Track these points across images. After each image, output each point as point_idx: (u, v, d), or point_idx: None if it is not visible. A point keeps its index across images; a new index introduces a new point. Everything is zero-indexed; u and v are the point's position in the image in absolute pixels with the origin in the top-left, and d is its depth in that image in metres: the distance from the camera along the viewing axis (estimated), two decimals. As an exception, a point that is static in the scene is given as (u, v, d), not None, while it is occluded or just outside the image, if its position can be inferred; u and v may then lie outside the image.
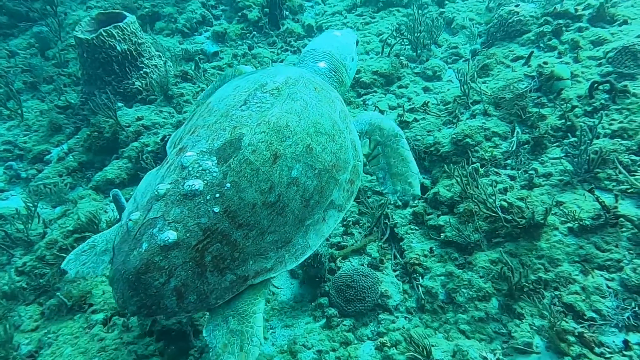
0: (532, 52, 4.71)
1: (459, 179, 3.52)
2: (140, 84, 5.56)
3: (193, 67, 6.07)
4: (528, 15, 5.16)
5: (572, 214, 3.04)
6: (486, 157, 3.96)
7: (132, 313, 2.23)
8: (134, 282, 2.17)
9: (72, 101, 5.86)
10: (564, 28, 4.86)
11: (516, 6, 5.28)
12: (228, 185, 2.25)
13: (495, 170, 3.83)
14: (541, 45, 4.92)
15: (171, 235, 2.15)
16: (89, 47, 5.19)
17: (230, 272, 2.25)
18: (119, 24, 5.27)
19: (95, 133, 5.07)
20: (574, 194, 3.31)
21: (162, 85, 5.54)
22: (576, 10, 4.97)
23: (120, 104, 5.39)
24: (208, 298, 2.22)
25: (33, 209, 4.24)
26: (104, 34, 5.15)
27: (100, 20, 5.50)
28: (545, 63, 4.29)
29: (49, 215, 4.46)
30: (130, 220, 2.28)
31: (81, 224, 4.02)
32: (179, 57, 6.53)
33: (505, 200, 3.40)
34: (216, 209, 2.22)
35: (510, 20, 5.21)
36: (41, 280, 3.68)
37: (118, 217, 4.10)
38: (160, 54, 6.04)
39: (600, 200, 2.90)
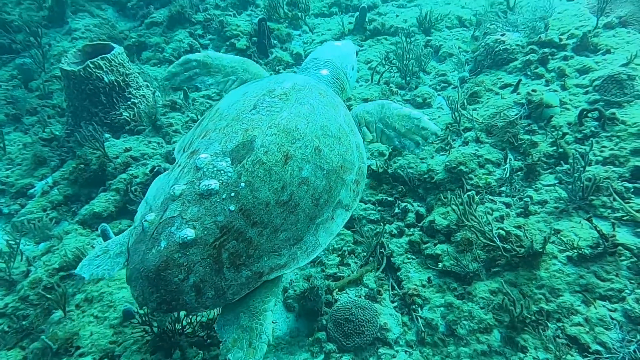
0: (520, 79, 4.88)
1: (455, 208, 3.56)
2: (128, 115, 5.57)
3: (182, 97, 6.11)
4: (514, 44, 5.36)
5: (571, 243, 3.09)
6: (480, 185, 4.02)
7: (152, 309, 2.32)
8: (154, 279, 2.26)
9: (57, 133, 5.82)
10: (549, 56, 5.06)
11: (502, 35, 5.49)
12: (242, 184, 2.38)
13: (491, 197, 3.89)
14: (528, 73, 5.10)
15: (189, 232, 2.26)
16: (75, 79, 5.20)
17: (246, 268, 2.36)
18: (106, 55, 5.31)
19: (82, 165, 5.03)
20: (570, 222, 3.37)
21: (151, 116, 5.55)
22: (560, 39, 5.18)
23: (107, 135, 5.38)
24: (225, 294, 2.33)
25: (15, 246, 4.14)
26: (91, 65, 5.18)
27: (87, 51, 5.54)
28: (534, 91, 4.44)
29: (32, 252, 4.36)
30: (145, 220, 2.37)
31: (67, 261, 3.94)
32: (167, 87, 6.57)
33: (502, 229, 3.45)
34: (232, 208, 2.34)
35: (496, 49, 5.41)
36: (24, 322, 3.57)
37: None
38: (148, 84, 6.08)
39: (598, 229, 2.96)
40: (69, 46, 7.28)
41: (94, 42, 5.75)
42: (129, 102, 5.62)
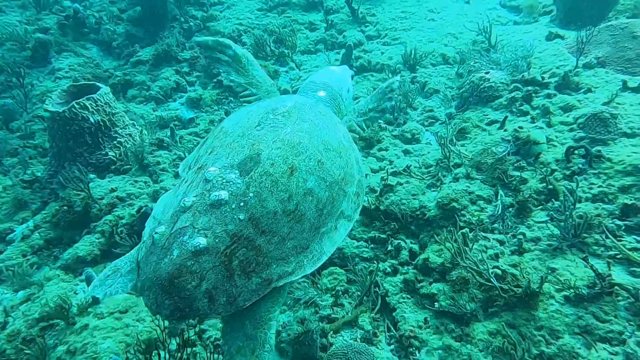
0: (507, 116, 5.05)
1: (450, 249, 3.60)
2: (114, 154, 5.55)
3: (169, 135, 6.13)
4: (498, 82, 5.58)
5: (567, 282, 3.13)
6: (473, 222, 4.08)
7: (166, 316, 2.39)
8: (168, 287, 2.34)
9: (39, 174, 5.74)
10: (533, 94, 5.27)
11: (486, 73, 5.72)
12: (251, 194, 2.52)
13: (484, 235, 3.94)
14: (514, 110, 5.29)
15: (202, 241, 2.36)
16: (60, 119, 5.18)
17: (256, 275, 2.46)
18: (92, 95, 5.33)
19: (65, 207, 4.94)
20: (565, 260, 3.43)
21: (138, 154, 5.54)
22: (543, 77, 5.42)
23: (92, 176, 5.33)
24: (236, 300, 2.41)
25: (-7, 295, 4.01)
26: (76, 106, 5.19)
27: (72, 92, 5.56)
28: (520, 128, 4.59)
29: (10, 302, 4.21)
30: (156, 233, 2.49)
31: (49, 311, 3.81)
32: (154, 125, 6.60)
33: (498, 268, 3.49)
34: (241, 216, 2.46)
35: (482, 86, 5.62)
36: (1, 381, 3.41)
37: (91, 299, 3.93)
38: (134, 122, 6.09)
39: (594, 269, 3.02)
40: (52, 86, 7.29)
41: (80, 83, 5.79)
42: (115, 142, 5.61)
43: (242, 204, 2.48)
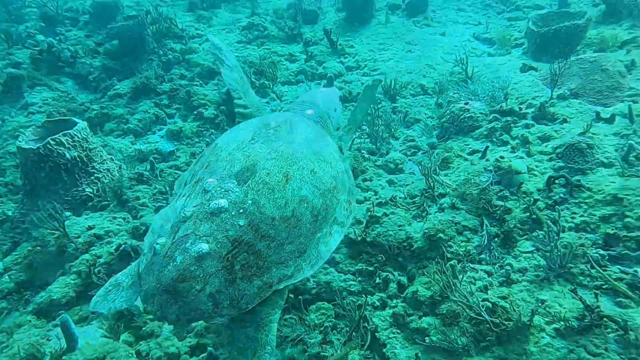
0: (488, 146, 5.20)
1: (439, 281, 3.61)
2: (91, 190, 5.43)
3: (148, 168, 6.06)
4: (478, 112, 5.77)
5: (558, 315, 3.17)
6: (461, 252, 4.12)
7: (171, 322, 2.47)
8: (172, 292, 2.43)
9: (10, 213, 5.56)
10: (512, 124, 5.46)
11: (465, 104, 5.91)
12: (249, 202, 2.67)
13: (472, 266, 3.98)
14: (494, 139, 5.45)
15: (204, 246, 2.48)
16: (34, 156, 5.06)
17: (257, 278, 2.58)
18: (68, 131, 5.25)
19: (38, 247, 4.77)
20: (553, 291, 3.49)
21: (116, 190, 5.44)
22: (520, 108, 5.64)
23: (68, 214, 5.19)
24: (239, 303, 2.51)
25: (-42, 346, 3.79)
26: (52, 142, 5.09)
27: (47, 127, 5.46)
28: (502, 157, 4.72)
29: (-23, 352, 3.98)
30: (157, 244, 2.58)
31: (20, 361, 3.63)
32: (133, 158, 6.52)
33: (488, 300, 3.51)
34: (241, 222, 2.60)
35: (462, 116, 5.79)
36: None
37: (66, 346, 3.75)
38: (112, 157, 6.01)
39: (582, 300, 3.07)
40: (25, 121, 7.16)
41: (55, 118, 5.70)
42: (93, 177, 5.50)
43: (241, 210, 2.62)
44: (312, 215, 2.85)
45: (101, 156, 5.70)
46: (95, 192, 5.45)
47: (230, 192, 2.69)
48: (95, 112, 7.45)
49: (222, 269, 2.48)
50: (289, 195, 2.77)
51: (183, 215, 2.64)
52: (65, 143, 5.19)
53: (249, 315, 2.62)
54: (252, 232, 2.59)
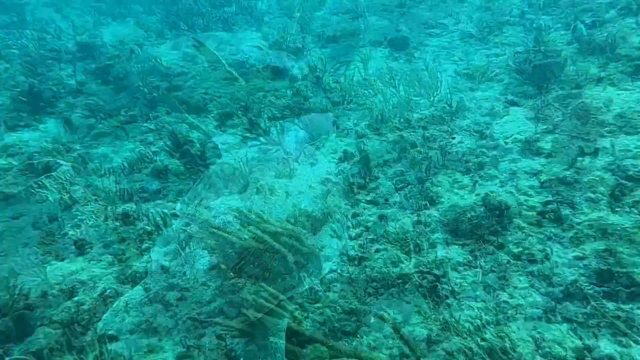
0: (477, 181, 5.28)
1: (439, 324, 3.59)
2: (74, 234, 5.30)
3: (134, 208, 5.95)
4: (465, 146, 5.89)
5: (558, 356, 3.15)
6: (456, 290, 4.11)
7: None
8: None
9: (-11, 259, 5.36)
10: (499, 159, 5.58)
11: (452, 138, 6.04)
12: (253, 216, 3.08)
13: (469, 305, 3.97)
14: (482, 174, 5.55)
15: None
16: (14, 200, 4.96)
17: (263, 289, 2.83)
18: (51, 173, 5.18)
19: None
20: (550, 329, 3.48)
21: (101, 232, 5.32)
22: (506, 142, 5.78)
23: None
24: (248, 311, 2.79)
25: None
26: (34, 185, 5.01)
27: (28, 169, 5.38)
28: (492, 192, 4.80)
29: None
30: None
31: None
32: (117, 198, 6.41)
33: (483, 339, 3.48)
34: (246, 237, 2.92)
35: (450, 151, 5.90)
36: None
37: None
38: (97, 197, 5.91)
39: (582, 340, 3.08)
40: (3, 164, 7.02)
41: (36, 161, 5.63)
42: (76, 220, 5.39)
43: (245, 225, 2.92)
44: (313, 227, 3.44)
45: (85, 197, 5.60)
46: (78, 235, 5.32)
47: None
48: (78, 152, 7.34)
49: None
50: (289, 209, 3.39)
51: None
52: (48, 185, 5.11)
53: (257, 323, 2.83)
54: (257, 245, 3.05)
